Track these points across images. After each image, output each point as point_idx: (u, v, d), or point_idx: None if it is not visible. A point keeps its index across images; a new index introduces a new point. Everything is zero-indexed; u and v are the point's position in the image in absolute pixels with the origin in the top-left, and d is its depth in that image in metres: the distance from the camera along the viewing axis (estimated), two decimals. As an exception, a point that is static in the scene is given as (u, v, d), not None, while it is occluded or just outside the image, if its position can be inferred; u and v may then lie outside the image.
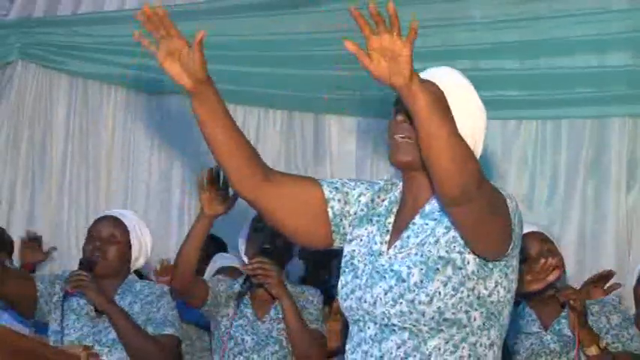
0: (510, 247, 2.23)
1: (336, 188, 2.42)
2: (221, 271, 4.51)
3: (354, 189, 2.43)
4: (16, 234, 5.87)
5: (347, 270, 2.37)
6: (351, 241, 2.40)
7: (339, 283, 2.37)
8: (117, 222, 3.75)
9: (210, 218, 3.63)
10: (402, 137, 2.28)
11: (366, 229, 2.39)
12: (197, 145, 5.94)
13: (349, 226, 2.41)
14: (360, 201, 2.42)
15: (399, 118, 2.29)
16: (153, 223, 5.94)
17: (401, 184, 2.40)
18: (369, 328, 2.29)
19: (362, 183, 2.46)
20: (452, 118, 2.07)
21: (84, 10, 6.23)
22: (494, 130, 5.32)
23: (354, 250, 2.39)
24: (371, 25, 2.04)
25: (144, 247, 3.79)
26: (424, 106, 2.01)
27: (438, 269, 2.22)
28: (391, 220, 2.37)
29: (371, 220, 2.39)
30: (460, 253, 2.23)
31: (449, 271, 2.22)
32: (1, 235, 5.22)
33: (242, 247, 3.93)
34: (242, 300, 3.77)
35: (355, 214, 2.41)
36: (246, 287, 3.77)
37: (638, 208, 5.14)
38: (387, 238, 2.34)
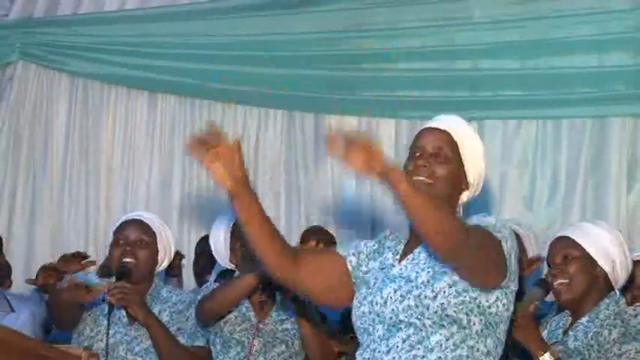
0: (505, 280, 2.49)
1: (351, 246, 2.72)
2: (221, 274, 4.49)
3: (361, 244, 2.72)
4: (17, 234, 5.89)
5: (360, 286, 2.64)
6: (366, 272, 2.66)
7: (354, 300, 2.61)
8: (144, 225, 3.67)
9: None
10: (421, 179, 2.55)
11: (378, 260, 2.65)
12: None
13: (364, 267, 2.68)
14: (368, 246, 2.70)
15: (420, 162, 2.57)
16: (153, 223, 5.95)
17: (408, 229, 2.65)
18: (377, 330, 2.51)
19: (365, 240, 2.76)
20: (426, 198, 2.34)
21: (84, 10, 6.23)
22: (494, 130, 5.32)
23: (367, 273, 2.65)
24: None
25: (168, 249, 3.73)
26: (403, 195, 2.29)
27: (445, 272, 2.47)
28: (401, 247, 2.64)
29: (382, 253, 2.66)
30: None
31: (455, 277, 2.46)
32: None
33: (224, 253, 3.86)
34: (243, 303, 3.75)
35: (367, 255, 2.68)
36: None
37: (639, 208, 5.13)
38: (398, 257, 2.61)
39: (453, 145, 2.60)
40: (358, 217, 5.53)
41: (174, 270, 5.20)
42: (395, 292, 2.49)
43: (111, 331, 3.52)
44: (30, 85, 6.27)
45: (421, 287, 2.46)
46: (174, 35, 5.91)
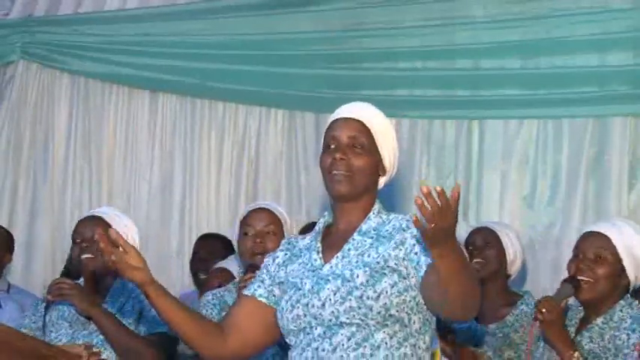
0: None
1: (255, 281, 2.68)
2: (214, 272, 4.50)
3: (266, 268, 2.67)
4: (18, 233, 5.88)
5: (287, 289, 2.58)
6: (284, 281, 2.61)
7: (283, 303, 2.56)
8: (98, 221, 3.72)
9: None
10: (342, 173, 2.54)
11: (297, 263, 2.61)
12: (198, 145, 5.95)
13: (283, 275, 2.63)
14: (275, 262, 2.66)
15: (338, 156, 2.55)
16: (154, 222, 5.95)
17: (322, 220, 2.66)
18: (316, 329, 2.49)
19: (270, 256, 2.70)
20: (466, 266, 2.30)
21: (85, 9, 6.24)
22: (495, 130, 5.32)
23: (287, 277, 2.60)
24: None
25: (130, 240, 3.76)
26: (456, 266, 2.25)
27: (385, 274, 2.46)
28: (318, 244, 2.61)
29: (299, 255, 2.63)
30: (406, 268, 2.47)
31: (395, 277, 2.46)
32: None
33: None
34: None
35: (280, 265, 2.64)
36: None
37: (640, 208, 5.13)
38: (321, 255, 2.58)
39: (367, 133, 2.60)
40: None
41: None
42: (334, 293, 2.46)
43: (70, 331, 3.59)
44: (31, 85, 6.28)
45: (362, 288, 2.43)
46: (174, 34, 5.91)
